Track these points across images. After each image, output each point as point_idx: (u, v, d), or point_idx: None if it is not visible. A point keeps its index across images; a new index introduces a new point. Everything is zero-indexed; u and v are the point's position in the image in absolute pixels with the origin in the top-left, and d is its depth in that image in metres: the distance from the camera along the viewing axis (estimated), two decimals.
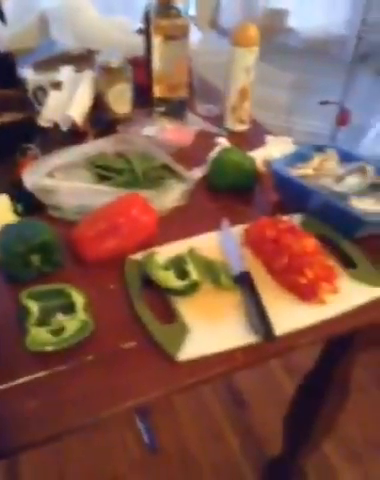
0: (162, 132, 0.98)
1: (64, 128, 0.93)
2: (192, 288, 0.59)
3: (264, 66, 2.37)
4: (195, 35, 1.13)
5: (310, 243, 0.65)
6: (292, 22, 2.18)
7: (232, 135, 1.00)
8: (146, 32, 1.01)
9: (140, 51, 1.09)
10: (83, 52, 1.03)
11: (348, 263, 0.67)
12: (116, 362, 0.54)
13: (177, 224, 0.76)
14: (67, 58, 1.03)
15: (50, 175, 0.77)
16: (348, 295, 0.62)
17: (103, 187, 0.74)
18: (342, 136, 2.21)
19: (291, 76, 2.41)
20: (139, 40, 1.09)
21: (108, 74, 0.96)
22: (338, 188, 0.72)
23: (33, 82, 1.00)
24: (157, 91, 1.00)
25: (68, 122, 0.92)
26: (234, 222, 0.75)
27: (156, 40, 0.93)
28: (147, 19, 0.98)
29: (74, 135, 0.93)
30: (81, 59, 1.03)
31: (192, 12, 2.12)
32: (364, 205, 0.68)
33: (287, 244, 0.64)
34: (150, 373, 0.53)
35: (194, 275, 0.60)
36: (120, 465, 1.37)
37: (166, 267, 0.62)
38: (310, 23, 2.14)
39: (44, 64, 1.04)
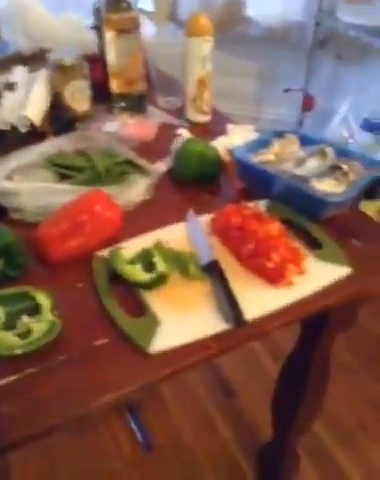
0: (123, 127, 0.97)
1: (22, 129, 0.91)
2: (160, 280, 0.59)
3: (226, 56, 2.38)
4: (150, 28, 1.12)
5: (275, 227, 0.65)
6: (250, 11, 2.19)
7: (194, 126, 1.00)
8: (98, 27, 1.00)
9: (94, 47, 1.07)
10: (36, 51, 1.02)
11: (314, 244, 0.68)
12: (89, 360, 0.53)
13: (143, 218, 0.75)
14: (20, 58, 1.01)
15: (9, 178, 0.76)
16: (315, 275, 0.62)
17: (64, 186, 0.73)
18: (309, 122, 2.23)
19: (254, 65, 2.42)
20: (92, 36, 1.07)
21: (63, 72, 0.95)
22: (299, 171, 0.73)
23: None
24: (114, 86, 0.99)
25: (25, 123, 0.90)
26: (200, 212, 0.75)
27: (108, 35, 0.92)
28: (98, 14, 0.96)
29: (33, 136, 0.92)
30: (34, 59, 1.01)
31: (150, 5, 2.12)
32: (325, 186, 0.68)
33: (252, 230, 0.64)
34: (124, 368, 0.52)
35: (161, 267, 0.59)
36: (116, 465, 1.36)
37: (132, 261, 0.61)
38: (268, 11, 2.14)
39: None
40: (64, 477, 1.32)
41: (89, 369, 0.52)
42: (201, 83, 0.95)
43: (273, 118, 2.53)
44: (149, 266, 0.61)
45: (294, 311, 0.59)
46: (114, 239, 0.68)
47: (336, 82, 2.11)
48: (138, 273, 0.59)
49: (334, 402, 1.47)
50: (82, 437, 1.41)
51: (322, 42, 1.98)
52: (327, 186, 0.69)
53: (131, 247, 0.65)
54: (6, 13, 1.03)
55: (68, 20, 1.08)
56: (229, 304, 0.56)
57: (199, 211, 0.75)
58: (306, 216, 0.71)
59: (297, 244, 0.66)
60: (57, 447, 1.38)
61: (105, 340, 0.55)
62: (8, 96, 0.94)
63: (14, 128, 0.91)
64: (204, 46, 0.90)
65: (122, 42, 0.93)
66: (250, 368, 1.58)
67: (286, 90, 2.10)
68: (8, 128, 0.91)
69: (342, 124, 1.82)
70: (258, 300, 0.59)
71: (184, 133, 0.91)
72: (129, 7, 0.91)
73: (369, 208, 1.80)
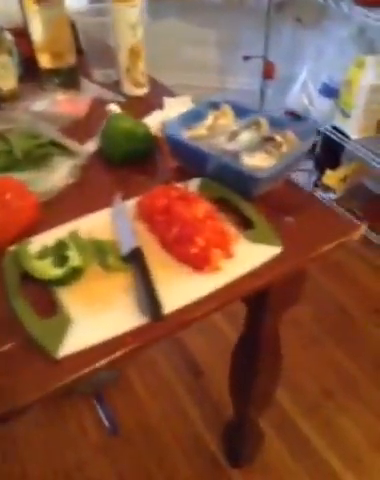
0: (53, 105, 0.90)
1: None
2: (73, 275, 0.54)
3: (185, 25, 2.28)
4: None
5: (201, 209, 0.60)
6: None
7: (130, 100, 0.94)
8: None
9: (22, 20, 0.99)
10: None
11: (247, 224, 0.64)
12: None
13: (67, 205, 0.70)
14: None
15: None
16: (245, 258, 0.58)
17: None
18: (271, 90, 2.16)
19: (213, 33, 2.33)
20: (19, 8, 0.98)
21: None
22: (231, 146, 0.68)
23: None
24: (42, 61, 0.91)
25: None
26: (131, 195, 0.70)
27: (27, 4, 0.83)
28: None
29: None
30: None
31: None
32: (255, 161, 0.64)
33: (177, 212, 0.60)
34: (29, 375, 0.48)
35: (75, 260, 0.55)
36: (83, 451, 1.34)
37: (43, 256, 0.56)
38: None
39: None
40: (31, 467, 1.30)
41: None
42: (133, 53, 0.88)
43: (236, 87, 2.46)
44: (63, 260, 0.56)
45: (220, 297, 0.55)
46: (31, 231, 0.63)
47: (296, 47, 2.03)
48: (47, 269, 0.54)
49: (300, 373, 1.47)
50: (48, 425, 1.39)
51: (279, 5, 1.89)
52: (258, 160, 0.64)
53: (44, 239, 0.60)
54: None
55: None
56: (146, 296, 0.52)
57: (129, 194, 0.70)
58: (239, 193, 0.67)
59: (227, 225, 0.62)
60: (22, 437, 1.36)
61: (12, 345, 0.51)
62: None
63: None
64: (132, 12, 0.83)
65: (44, 12, 0.85)
66: (217, 347, 1.57)
67: (245, 58, 2.02)
68: None
69: (302, 91, 1.76)
70: (182, 289, 0.55)
71: (114, 109, 0.84)
72: None
73: (332, 178, 1.77)
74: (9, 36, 0.98)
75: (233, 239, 0.60)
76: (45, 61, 0.92)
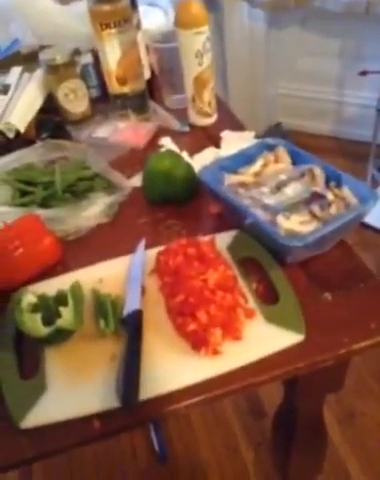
0: (116, 132, 0.88)
1: (10, 135, 0.87)
2: (59, 336, 0.50)
3: (306, 34, 2.15)
4: (159, 18, 1.00)
5: (215, 275, 0.52)
6: None
7: (194, 130, 0.88)
8: None
9: None
10: (36, 50, 0.96)
11: (274, 297, 0.54)
12: None
13: (95, 246, 0.67)
14: (19, 58, 0.96)
15: None
16: (256, 342, 0.49)
17: (6, 208, 0.67)
18: None
19: (336, 43, 2.17)
20: None
21: (55, 72, 0.88)
22: (270, 200, 0.58)
23: None
24: (111, 86, 0.90)
25: (12, 130, 0.86)
26: (160, 241, 0.63)
27: (95, 29, 0.82)
28: None
29: (21, 142, 0.87)
30: (34, 57, 0.95)
31: None
32: (291, 224, 0.54)
33: (186, 277, 0.52)
34: None
35: (64, 321, 0.51)
36: (129, 472, 1.33)
37: (36, 308, 0.53)
38: None
39: (0, 66, 0.98)
40: (79, 475, 1.33)
41: None
42: (198, 81, 0.82)
43: (355, 102, 2.27)
44: (58, 316, 0.52)
45: (212, 388, 0.47)
46: (50, 271, 0.61)
47: None
48: (35, 325, 0.50)
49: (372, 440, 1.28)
50: (101, 445, 1.40)
51: None
52: (294, 223, 0.54)
53: (58, 284, 0.57)
54: (10, 7, 0.97)
55: (77, 12, 0.99)
56: (123, 376, 0.46)
57: (158, 240, 0.64)
58: (275, 257, 0.57)
59: (245, 297, 0.53)
60: (77, 451, 1.39)
61: None
62: (0, 99, 0.89)
63: (2, 134, 0.87)
64: (197, 39, 0.77)
65: (113, 38, 0.83)
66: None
67: (362, 73, 1.83)
68: None
69: None
70: (172, 371, 0.48)
71: (166, 143, 0.79)
72: None
73: None
74: (90, 58, 0.99)
75: (245, 317, 0.50)
76: (114, 86, 0.90)
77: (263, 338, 0.49)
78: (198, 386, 0.47)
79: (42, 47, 0.94)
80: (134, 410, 0.44)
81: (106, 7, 0.79)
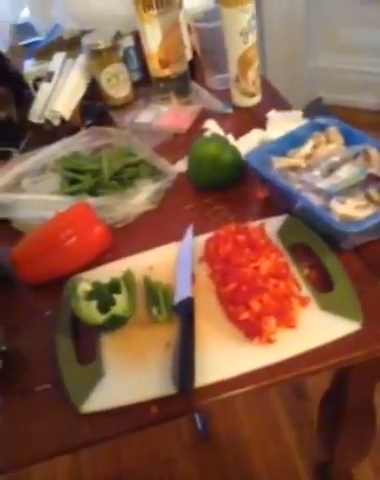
0: (158, 117, 0.88)
1: (55, 123, 0.87)
2: (114, 323, 0.51)
3: (349, 2, 2.02)
4: None
5: (267, 263, 0.52)
6: None
7: (238, 111, 0.86)
8: None
9: None
10: (77, 35, 0.95)
11: (328, 283, 0.53)
12: (24, 407, 0.49)
13: (143, 233, 0.67)
14: (61, 44, 0.96)
15: (17, 183, 0.73)
16: (311, 331, 0.49)
17: (59, 198, 0.68)
18: None
19: None
20: None
21: (97, 57, 0.88)
22: (323, 184, 0.57)
23: (30, 74, 0.95)
24: (153, 69, 0.89)
25: (57, 117, 0.87)
26: (208, 228, 0.63)
27: (138, 12, 0.81)
28: None
29: (66, 129, 0.88)
30: (76, 43, 0.95)
31: None
32: (346, 209, 0.52)
33: (238, 265, 0.52)
34: (55, 423, 0.47)
35: (118, 308, 0.51)
36: (173, 449, 1.37)
37: (91, 296, 0.54)
38: None
39: (44, 53, 0.98)
40: (125, 452, 1.38)
41: (20, 418, 0.48)
42: (243, 61, 0.79)
43: None
44: (112, 302, 0.53)
45: (265, 377, 0.47)
46: (99, 260, 0.62)
47: None
48: (91, 313, 0.52)
49: None
50: None
51: None
52: (350, 208, 0.52)
53: (106, 272, 0.58)
54: None
55: None
56: (179, 364, 0.46)
57: (206, 227, 0.64)
58: (328, 242, 0.56)
59: (298, 284, 0.52)
60: None
61: (47, 386, 0.50)
62: (44, 87, 0.90)
63: (49, 122, 0.88)
64: (241, 18, 0.74)
65: (155, 19, 0.82)
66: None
67: None
68: (43, 122, 0.89)
69: None
70: (226, 358, 0.48)
71: (211, 126, 0.78)
72: None
73: None
74: (131, 41, 0.98)
75: (300, 305, 0.50)
76: (156, 69, 0.89)
77: (318, 326, 0.49)
78: (253, 374, 0.47)
79: (84, 32, 0.94)
80: (190, 397, 0.45)
81: None
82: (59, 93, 0.87)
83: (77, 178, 0.73)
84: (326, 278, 0.54)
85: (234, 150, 0.67)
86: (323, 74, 2.30)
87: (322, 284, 0.53)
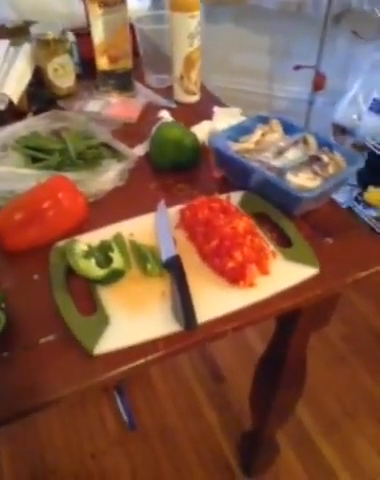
0: (106, 107, 0.93)
1: (1, 107, 0.88)
2: (114, 276, 0.57)
3: (240, 30, 2.27)
4: (146, 0, 1.06)
5: (242, 223, 0.61)
6: None
7: (180, 107, 0.96)
8: (84, 0, 0.94)
9: (84, 21, 1.02)
10: (21, 25, 0.97)
11: (285, 242, 0.64)
12: (31, 358, 0.52)
13: (113, 207, 0.72)
14: (4, 31, 0.97)
15: None
16: (280, 276, 0.59)
17: (28, 171, 0.70)
18: (320, 101, 2.14)
19: (268, 40, 2.33)
20: (82, 9, 1.02)
21: (45, 47, 0.91)
22: (277, 162, 0.69)
23: None
24: (100, 63, 0.94)
25: (4, 101, 0.87)
26: (174, 202, 0.71)
27: (91, 9, 0.87)
28: None
29: (12, 114, 0.88)
30: (19, 32, 0.96)
31: None
32: (299, 180, 0.64)
33: (218, 226, 0.61)
34: (66, 368, 0.51)
35: (117, 262, 0.57)
36: (99, 442, 1.38)
37: (88, 255, 0.58)
38: None
39: None
40: (48, 452, 1.35)
41: (30, 368, 0.51)
42: (188, 61, 0.90)
43: (285, 96, 2.45)
44: (106, 260, 0.58)
45: (251, 313, 0.56)
46: (78, 229, 0.66)
47: (349, 60, 2.00)
48: (91, 268, 0.56)
49: (323, 391, 1.46)
50: (68, 412, 1.43)
51: (336, 17, 1.87)
52: (303, 179, 0.65)
53: (91, 238, 0.63)
54: None
55: None
56: (182, 305, 0.53)
57: (173, 201, 0.72)
58: (281, 210, 0.68)
59: (266, 242, 0.63)
60: (43, 421, 1.41)
61: (52, 337, 0.53)
62: None
63: None
64: (190, 22, 0.84)
65: (107, 16, 0.88)
66: (240, 353, 1.57)
67: (296, 67, 2.01)
68: None
69: (351, 105, 1.74)
70: (216, 301, 0.56)
71: (165, 116, 0.87)
72: None
73: (374, 195, 1.74)
74: (71, 37, 1.02)
75: (270, 256, 0.60)
76: (103, 63, 0.95)
77: (286, 272, 0.60)
78: (241, 312, 0.56)
79: (28, 23, 0.96)
80: (195, 331, 0.52)
81: None
82: (6, 77, 0.88)
83: (40, 157, 0.75)
84: (284, 238, 0.65)
85: (193, 135, 0.76)
86: (216, 92, 2.51)
87: (282, 242, 0.65)
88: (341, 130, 1.90)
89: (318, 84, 1.96)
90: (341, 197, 1.91)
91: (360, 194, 1.86)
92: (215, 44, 2.35)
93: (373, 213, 1.79)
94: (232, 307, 0.56)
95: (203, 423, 1.41)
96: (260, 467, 1.24)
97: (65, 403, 0.48)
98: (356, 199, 1.88)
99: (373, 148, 1.61)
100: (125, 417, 1.42)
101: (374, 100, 1.60)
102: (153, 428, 1.40)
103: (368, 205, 1.80)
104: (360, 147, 1.83)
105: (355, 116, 1.70)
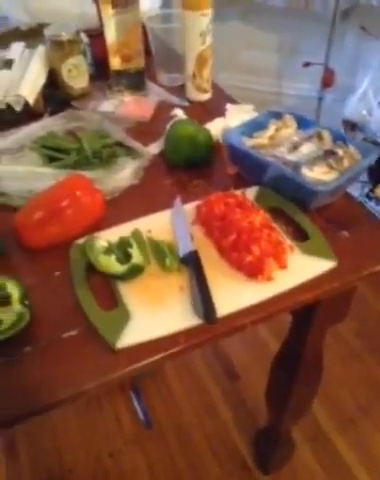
0: (120, 106, 0.94)
1: (17, 108, 0.89)
2: (134, 272, 0.57)
3: (248, 28, 2.28)
4: (154, 0, 1.07)
5: (259, 218, 0.62)
6: None
7: (193, 105, 0.96)
8: (96, 1, 0.95)
9: (96, 22, 1.03)
10: (35, 27, 0.98)
11: (302, 235, 0.65)
12: (55, 352, 0.53)
13: (130, 204, 0.73)
14: (18, 34, 0.98)
15: None
16: (298, 270, 0.60)
17: (46, 169, 0.71)
18: (330, 98, 2.14)
19: (276, 37, 2.33)
20: (94, 10, 1.03)
21: (59, 48, 0.92)
22: (292, 157, 0.69)
23: None
24: (113, 63, 0.95)
25: (20, 102, 0.89)
26: (190, 198, 0.72)
27: (104, 9, 0.88)
28: None
29: (29, 115, 0.90)
30: (33, 34, 0.98)
31: None
32: (315, 174, 0.65)
33: (234, 220, 0.61)
34: (89, 362, 0.51)
35: (136, 258, 0.58)
36: (116, 441, 1.39)
37: (108, 251, 0.59)
38: None
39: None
40: (66, 451, 1.36)
41: (53, 362, 0.52)
42: (200, 60, 0.90)
43: (294, 93, 2.44)
44: (126, 256, 0.59)
45: (270, 307, 0.56)
46: (96, 226, 0.67)
47: (358, 56, 2.00)
48: (112, 264, 0.57)
49: (338, 388, 1.46)
50: (85, 412, 1.45)
51: (345, 13, 1.87)
52: (318, 173, 0.65)
53: (110, 235, 0.64)
54: None
55: None
56: (201, 299, 0.54)
57: (188, 197, 0.72)
58: (297, 205, 0.68)
59: (282, 236, 0.63)
60: (60, 421, 1.42)
61: (74, 332, 0.54)
62: (4, 74, 0.92)
63: (9, 107, 0.89)
64: (202, 20, 0.85)
65: (119, 16, 0.89)
66: (254, 351, 1.58)
67: (305, 64, 2.00)
68: (3, 107, 0.90)
69: (361, 101, 1.73)
70: (234, 295, 0.57)
71: (179, 114, 0.87)
72: None
73: None
74: (84, 37, 1.03)
75: (288, 250, 0.61)
76: (116, 63, 0.96)
77: (304, 266, 0.60)
78: (260, 305, 0.56)
79: (42, 25, 0.97)
80: (215, 325, 0.53)
81: None
82: (22, 79, 0.90)
83: (57, 156, 0.77)
84: (300, 232, 0.65)
85: (208, 132, 0.77)
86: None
87: (298, 236, 0.65)
88: (351, 126, 1.89)
89: (327, 81, 1.95)
90: (352, 193, 1.90)
91: (371, 190, 1.85)
92: (223, 42, 2.35)
93: None
94: (250, 301, 0.56)
95: (218, 421, 1.42)
96: (276, 464, 1.24)
97: (86, 398, 0.49)
98: (367, 195, 1.88)
99: None
100: (141, 416, 1.43)
101: None
102: (169, 426, 1.41)
103: (379, 201, 1.79)
104: (371, 143, 1.82)
105: (365, 112, 1.70)
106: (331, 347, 1.55)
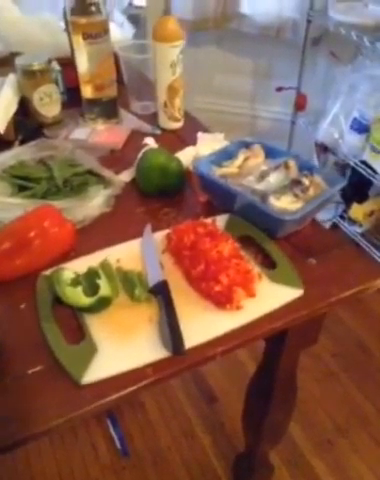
0: (92, 134, 0.95)
1: None
2: (101, 304, 0.57)
3: (223, 53, 2.33)
4: (128, 30, 1.09)
5: (227, 247, 0.63)
6: (245, 8, 2.14)
7: (165, 133, 0.98)
8: (68, 32, 0.97)
9: (69, 51, 1.04)
10: (6, 55, 0.99)
11: (270, 263, 0.66)
12: (20, 389, 0.52)
13: (101, 233, 0.73)
14: None
15: None
16: (266, 298, 0.60)
17: (14, 200, 0.71)
18: (302, 121, 2.19)
19: (250, 62, 2.39)
20: (66, 39, 1.04)
21: (30, 77, 0.93)
22: (260, 186, 0.70)
23: None
24: (85, 92, 0.96)
25: None
26: (161, 226, 0.73)
27: (75, 40, 0.89)
28: (66, 18, 0.94)
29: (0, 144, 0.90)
30: (4, 63, 0.98)
31: (142, 1, 2.08)
32: (281, 203, 0.66)
33: (203, 250, 0.62)
34: (54, 398, 0.51)
35: (104, 290, 0.57)
36: (93, 470, 1.35)
37: (75, 282, 0.59)
38: (263, 8, 2.10)
39: None
40: None
41: (18, 399, 0.50)
42: (171, 89, 0.92)
43: (268, 116, 2.50)
44: (93, 288, 0.59)
45: (239, 336, 0.57)
46: (65, 256, 0.67)
47: (329, 81, 2.06)
48: (78, 296, 0.57)
49: (313, 408, 1.46)
50: (60, 441, 1.41)
51: (315, 40, 1.94)
52: (285, 203, 0.66)
53: (78, 265, 0.63)
54: None
55: (42, 22, 1.05)
56: (169, 331, 0.54)
57: (159, 225, 0.73)
58: (265, 233, 0.69)
59: (251, 264, 0.64)
60: (34, 450, 1.38)
61: (39, 368, 0.53)
62: None
63: None
64: (172, 52, 0.87)
65: (90, 47, 0.90)
66: (232, 373, 1.57)
67: (278, 89, 2.06)
68: None
69: (332, 124, 1.78)
70: (204, 325, 0.57)
71: (150, 142, 0.88)
72: (98, 10, 0.88)
73: (358, 212, 1.77)
74: (57, 66, 1.04)
75: (256, 278, 0.62)
76: (88, 92, 0.97)
77: (272, 294, 0.61)
78: (229, 335, 0.56)
79: (13, 54, 0.98)
80: (183, 357, 0.53)
81: (88, 19, 0.86)
82: None
83: (27, 185, 0.76)
84: (269, 260, 0.66)
85: (178, 161, 0.78)
86: (198, 113, 2.56)
87: (267, 265, 0.66)
88: (324, 149, 1.94)
89: (299, 104, 2.01)
90: (327, 214, 1.94)
91: (345, 211, 1.89)
92: (198, 67, 2.41)
93: (358, 229, 1.81)
94: (220, 330, 0.56)
95: (196, 446, 1.40)
96: None
97: (55, 433, 0.48)
98: (341, 216, 1.92)
99: (355, 166, 1.65)
100: (118, 444, 1.40)
101: (354, 119, 1.64)
102: (146, 453, 1.39)
103: (353, 221, 1.83)
104: (343, 165, 1.87)
105: (337, 135, 1.74)
106: (308, 368, 1.56)
